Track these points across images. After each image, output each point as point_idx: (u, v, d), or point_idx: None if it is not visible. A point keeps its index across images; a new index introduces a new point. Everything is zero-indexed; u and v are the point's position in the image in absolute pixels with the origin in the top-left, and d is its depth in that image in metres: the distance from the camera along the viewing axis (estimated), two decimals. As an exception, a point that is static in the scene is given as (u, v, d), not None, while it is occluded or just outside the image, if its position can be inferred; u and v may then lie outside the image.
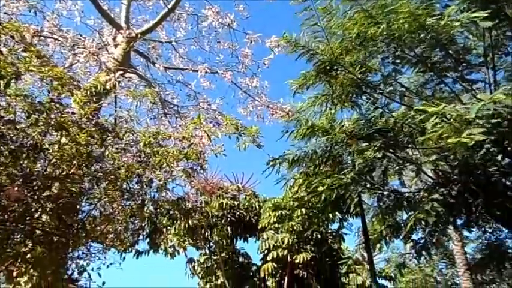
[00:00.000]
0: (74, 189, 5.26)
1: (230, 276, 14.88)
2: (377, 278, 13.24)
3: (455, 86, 7.41)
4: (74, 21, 9.80)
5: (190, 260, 15.38)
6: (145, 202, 6.47)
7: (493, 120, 4.92)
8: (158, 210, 7.21)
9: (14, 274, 4.98)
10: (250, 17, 10.12)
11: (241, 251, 16.14)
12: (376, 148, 7.15)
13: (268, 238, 14.24)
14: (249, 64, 10.38)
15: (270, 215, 14.10)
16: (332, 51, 7.09)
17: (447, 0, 6.79)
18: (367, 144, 7.52)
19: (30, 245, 5.03)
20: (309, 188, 7.94)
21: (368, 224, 8.64)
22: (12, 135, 4.80)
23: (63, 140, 5.19)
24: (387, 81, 7.61)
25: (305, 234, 13.85)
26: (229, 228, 14.66)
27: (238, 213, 14.98)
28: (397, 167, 7.47)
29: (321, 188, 7.37)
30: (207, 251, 15.21)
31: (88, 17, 10.31)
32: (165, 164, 6.00)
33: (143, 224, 7.69)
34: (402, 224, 7.81)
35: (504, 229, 8.10)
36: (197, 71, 10.17)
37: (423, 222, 6.98)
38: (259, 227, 14.49)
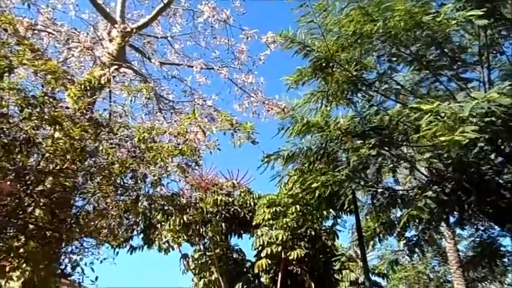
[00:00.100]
0: (67, 183, 5.23)
1: (224, 272, 14.93)
2: (370, 275, 13.36)
3: (450, 85, 7.45)
4: (69, 15, 9.67)
5: (185, 256, 15.41)
6: (140, 197, 6.44)
7: (487, 119, 4.96)
8: (152, 205, 7.18)
9: (7, 269, 4.95)
10: (246, 13, 10.04)
11: (236, 247, 16.24)
12: (370, 145, 7.17)
13: (262, 234, 14.30)
14: (244, 60, 10.30)
15: (264, 212, 14.14)
16: (328, 48, 7.09)
17: (443, -1, 6.81)
18: (361, 141, 7.54)
19: (23, 239, 4.99)
20: (303, 184, 7.96)
21: (362, 221, 8.69)
22: (5, 129, 4.75)
23: (57, 134, 5.15)
24: (382, 79, 7.64)
25: (299, 231, 13.92)
26: (223, 224, 14.70)
27: (232, 209, 15.00)
28: (392, 165, 7.51)
29: (315, 185, 7.38)
30: (202, 247, 15.25)
31: (83, 11, 10.19)
32: (160, 159, 5.98)
33: (137, 220, 7.67)
34: (396, 222, 7.87)
35: (496, 227, 8.20)
36: (193, 66, 10.11)
37: (416, 220, 7.04)
38: (254, 223, 14.54)
